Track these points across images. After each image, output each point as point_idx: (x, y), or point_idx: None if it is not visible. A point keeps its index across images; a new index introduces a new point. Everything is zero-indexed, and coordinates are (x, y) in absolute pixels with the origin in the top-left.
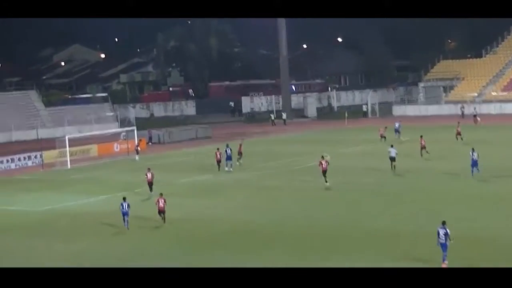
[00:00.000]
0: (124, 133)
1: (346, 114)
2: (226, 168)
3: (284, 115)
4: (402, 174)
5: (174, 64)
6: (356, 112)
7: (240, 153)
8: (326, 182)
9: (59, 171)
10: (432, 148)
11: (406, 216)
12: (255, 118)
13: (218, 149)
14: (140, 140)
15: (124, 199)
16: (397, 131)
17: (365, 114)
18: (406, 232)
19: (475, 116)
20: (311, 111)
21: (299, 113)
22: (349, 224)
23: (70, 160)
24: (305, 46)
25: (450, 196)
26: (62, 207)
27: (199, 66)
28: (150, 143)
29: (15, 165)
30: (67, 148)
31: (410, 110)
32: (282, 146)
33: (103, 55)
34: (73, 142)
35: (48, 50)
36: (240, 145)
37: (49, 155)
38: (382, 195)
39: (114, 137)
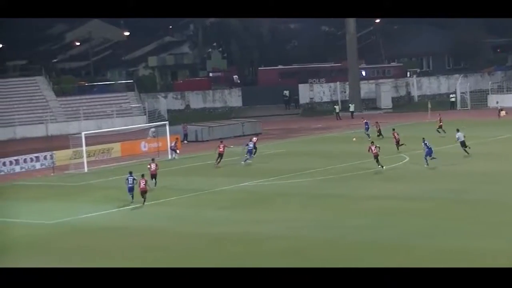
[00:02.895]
0: (153, 129)
1: (429, 105)
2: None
3: (351, 107)
4: (493, 180)
5: (215, 44)
6: (442, 103)
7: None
8: (382, 166)
9: (73, 175)
10: None
11: (484, 230)
12: (315, 110)
13: (221, 141)
14: (177, 138)
15: (131, 173)
16: None
17: (452, 105)
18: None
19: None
20: (385, 101)
21: (371, 103)
22: (422, 242)
23: (87, 162)
24: (377, 21)
25: None
26: (75, 220)
27: (246, 46)
28: (185, 141)
29: (20, 168)
30: (83, 147)
31: (510, 100)
32: (347, 145)
33: (127, 33)
34: (91, 139)
35: (60, 26)
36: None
37: (61, 155)
38: (463, 205)
39: (141, 133)
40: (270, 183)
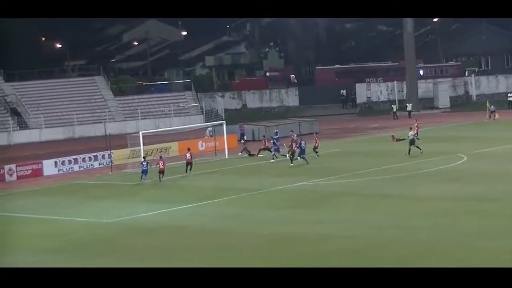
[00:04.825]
0: (210, 129)
1: (488, 105)
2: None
3: (409, 106)
4: None
5: (271, 44)
6: (500, 102)
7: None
8: (291, 162)
9: (131, 174)
10: None
11: None
12: (372, 109)
13: (292, 132)
14: (245, 140)
15: (144, 158)
16: None
17: (511, 104)
18: None
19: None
20: (443, 100)
21: (428, 103)
22: (485, 243)
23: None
24: (435, 20)
25: None
26: (134, 218)
27: (302, 45)
28: (242, 141)
29: (79, 167)
30: (141, 147)
31: None
32: (404, 145)
33: (184, 33)
34: (148, 139)
35: (118, 27)
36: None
37: (119, 155)
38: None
39: (199, 133)
40: (326, 183)
